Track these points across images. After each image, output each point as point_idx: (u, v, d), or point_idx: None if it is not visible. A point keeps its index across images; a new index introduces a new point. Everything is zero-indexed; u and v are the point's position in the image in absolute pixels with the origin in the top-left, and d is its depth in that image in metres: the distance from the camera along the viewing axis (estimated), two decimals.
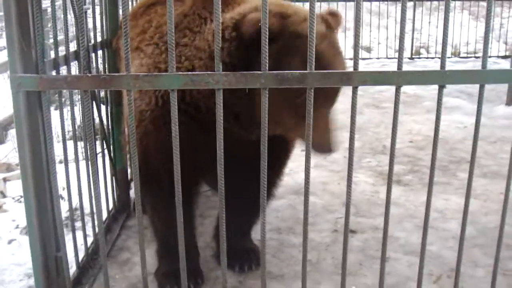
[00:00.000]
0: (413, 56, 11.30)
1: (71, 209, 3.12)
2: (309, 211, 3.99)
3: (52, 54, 2.81)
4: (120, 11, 3.69)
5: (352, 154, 2.44)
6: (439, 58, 10.13)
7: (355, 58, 2.28)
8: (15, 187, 5.20)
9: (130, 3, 4.01)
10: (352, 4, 12.58)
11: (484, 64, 2.30)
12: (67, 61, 2.90)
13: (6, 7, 2.28)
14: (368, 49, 12.26)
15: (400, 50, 2.30)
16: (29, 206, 2.51)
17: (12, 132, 7.04)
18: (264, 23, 2.12)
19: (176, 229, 2.46)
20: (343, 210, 4.10)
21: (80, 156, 3.33)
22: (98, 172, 2.43)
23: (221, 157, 2.26)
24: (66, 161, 2.91)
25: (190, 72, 2.24)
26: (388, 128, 6.18)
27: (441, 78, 2.29)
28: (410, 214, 4.10)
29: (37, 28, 2.35)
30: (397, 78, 2.30)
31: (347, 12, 12.09)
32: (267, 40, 2.13)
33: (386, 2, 12.52)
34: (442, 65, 2.28)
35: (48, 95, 2.37)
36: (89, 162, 2.45)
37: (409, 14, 13.44)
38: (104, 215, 3.69)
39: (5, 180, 5.29)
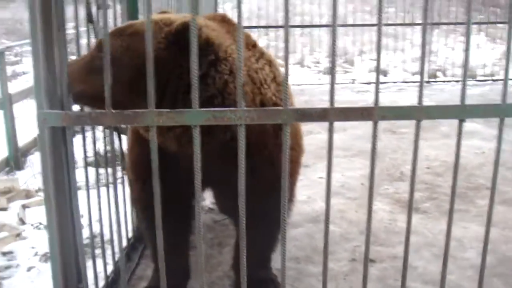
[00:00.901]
0: (430, 80, 11.29)
1: (92, 237, 3.15)
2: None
3: None
4: None
5: (372, 188, 2.44)
6: (456, 81, 10.13)
7: (376, 93, 2.30)
8: (35, 214, 5.26)
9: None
10: (367, 28, 12.69)
11: (504, 98, 2.31)
12: None
13: (34, 44, 2.34)
14: (385, 73, 12.28)
15: (421, 84, 2.32)
16: (52, 237, 2.54)
17: (31, 158, 7.13)
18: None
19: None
20: (361, 238, 4.12)
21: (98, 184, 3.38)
22: (117, 199, 2.47)
23: (242, 187, 2.29)
24: (87, 187, 2.95)
25: (212, 109, 2.26)
26: (405, 154, 6.18)
27: (461, 113, 2.31)
28: (428, 243, 4.08)
29: (63, 65, 2.41)
30: (417, 113, 2.32)
31: (364, 35, 12.24)
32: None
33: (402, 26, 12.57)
34: (462, 99, 2.30)
35: (72, 130, 2.42)
36: (112, 189, 2.47)
37: (430, 37, 13.49)
38: (124, 243, 3.72)
39: (24, 207, 5.35)
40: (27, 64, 15.84)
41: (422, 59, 2.32)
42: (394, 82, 11.25)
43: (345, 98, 9.22)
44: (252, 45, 3.15)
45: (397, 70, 12.00)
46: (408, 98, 9.80)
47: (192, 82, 2.20)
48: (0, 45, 17.03)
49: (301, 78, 11.40)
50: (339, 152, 6.20)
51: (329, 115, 2.26)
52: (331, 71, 2.27)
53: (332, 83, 2.26)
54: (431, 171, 5.65)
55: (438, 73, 12.13)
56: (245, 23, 13.36)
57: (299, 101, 9.59)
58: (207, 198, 4.42)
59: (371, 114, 2.29)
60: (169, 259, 2.57)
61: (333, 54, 2.27)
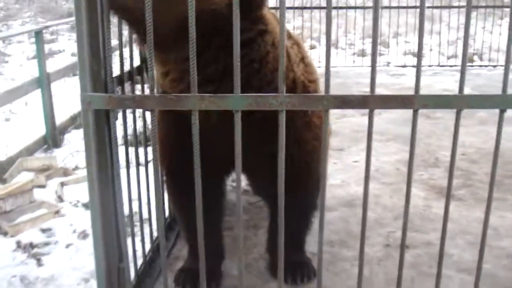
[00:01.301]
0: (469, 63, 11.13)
1: (131, 216, 3.22)
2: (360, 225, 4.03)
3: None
4: None
5: (411, 177, 2.44)
6: (493, 66, 9.96)
7: (417, 82, 2.30)
8: (72, 192, 5.38)
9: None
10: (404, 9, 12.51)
11: None
12: (131, 78, 3.00)
13: (79, 28, 2.39)
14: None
15: (462, 75, 2.31)
16: (95, 217, 2.60)
17: (68, 137, 7.27)
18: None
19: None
20: (396, 224, 4.15)
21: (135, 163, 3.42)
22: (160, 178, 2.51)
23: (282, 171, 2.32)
24: (128, 167, 2.99)
25: (254, 94, 2.29)
26: (440, 139, 6.14)
27: (503, 103, 2.29)
28: (462, 230, 4.07)
29: (107, 49, 2.45)
30: (458, 102, 2.31)
31: (399, 17, 12.08)
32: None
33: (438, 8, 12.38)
34: (504, 88, 2.28)
35: (115, 113, 2.47)
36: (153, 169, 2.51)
37: (461, 19, 13.24)
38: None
39: (62, 184, 5.46)
40: (63, 42, 16.03)
41: (465, 47, 2.31)
42: (430, 66, 11.12)
43: (380, 81, 9.15)
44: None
45: (433, 53, 11.83)
46: (443, 82, 9.70)
47: (234, 65, 2.22)
48: (36, 24, 17.35)
49: (335, 60, 11.34)
50: (374, 136, 6.06)
51: (370, 102, 2.27)
52: (373, 58, 2.28)
53: (373, 70, 2.27)
54: (466, 158, 5.60)
55: (475, 57, 11.95)
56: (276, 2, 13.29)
57: (333, 84, 9.48)
58: (242, 180, 4.46)
59: (411, 102, 2.30)
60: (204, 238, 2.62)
61: (374, 42, 2.27)
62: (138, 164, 3.21)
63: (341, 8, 12.08)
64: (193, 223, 3.28)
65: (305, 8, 12.03)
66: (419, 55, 2.31)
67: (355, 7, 12.56)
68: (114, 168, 2.55)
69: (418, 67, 2.30)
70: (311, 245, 3.63)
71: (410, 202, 2.56)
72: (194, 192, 2.91)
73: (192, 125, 2.31)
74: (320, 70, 9.66)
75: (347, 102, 2.26)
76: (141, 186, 3.30)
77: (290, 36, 3.04)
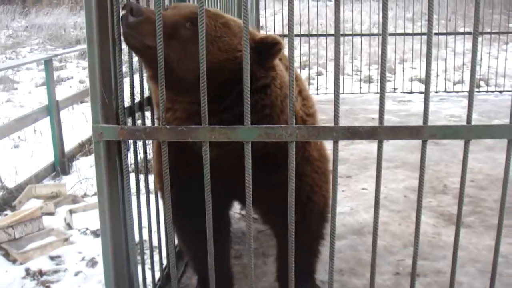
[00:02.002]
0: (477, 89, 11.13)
1: (141, 243, 3.22)
2: (370, 252, 4.02)
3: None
4: None
5: (420, 206, 2.45)
6: (499, 92, 9.94)
7: (425, 112, 2.32)
8: (81, 219, 5.39)
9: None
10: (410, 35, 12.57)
11: None
12: (142, 109, 3.04)
13: (91, 60, 2.43)
14: (424, 81, 12.16)
15: (470, 105, 2.33)
16: (106, 247, 2.61)
17: (77, 164, 7.30)
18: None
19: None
20: (405, 252, 4.14)
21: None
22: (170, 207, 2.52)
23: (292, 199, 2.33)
24: (138, 194, 3.00)
25: (264, 125, 2.32)
26: (448, 166, 6.14)
27: (511, 133, 2.31)
28: (472, 258, 4.06)
29: (118, 81, 2.49)
30: (466, 132, 2.33)
31: (405, 43, 12.15)
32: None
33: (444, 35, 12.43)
34: None
35: (127, 144, 2.50)
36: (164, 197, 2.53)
37: (467, 44, 13.30)
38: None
39: (71, 212, 5.48)
40: (71, 69, 16.17)
41: (472, 76, 2.34)
42: (436, 92, 11.14)
43: (386, 108, 9.00)
44: (280, 58, 3.22)
45: (439, 79, 11.86)
46: (450, 108, 9.72)
47: (244, 98, 2.26)
48: (45, 51, 17.52)
49: (342, 87, 11.38)
50: (383, 163, 6.16)
51: (379, 133, 2.30)
52: (381, 89, 2.31)
53: (381, 101, 2.30)
54: (475, 184, 5.60)
55: (481, 83, 11.97)
56: (283, 30, 13.35)
57: (340, 111, 9.52)
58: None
59: (420, 133, 2.32)
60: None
61: (382, 73, 2.30)
62: (148, 192, 3.23)
63: (347, 35, 12.17)
64: (199, 254, 3.32)
65: (311, 35, 12.13)
66: (426, 87, 2.33)
67: (361, 34, 12.61)
68: (126, 198, 2.57)
69: (426, 96, 2.32)
70: (321, 274, 3.63)
71: (420, 231, 2.56)
72: (197, 224, 2.94)
73: (203, 156, 2.34)
74: (327, 96, 9.74)
75: (356, 133, 2.29)
76: (151, 214, 3.31)
77: (286, 69, 3.06)
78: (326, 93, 11.21)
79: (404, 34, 12.02)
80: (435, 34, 11.52)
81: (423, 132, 2.32)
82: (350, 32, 12.98)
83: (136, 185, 3.04)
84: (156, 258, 3.43)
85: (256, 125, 2.30)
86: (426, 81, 2.31)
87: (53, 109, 7.11)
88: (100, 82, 2.45)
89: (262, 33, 2.70)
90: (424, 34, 11.85)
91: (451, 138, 2.40)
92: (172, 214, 3.20)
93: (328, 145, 3.10)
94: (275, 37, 2.66)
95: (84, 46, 17.45)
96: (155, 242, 3.48)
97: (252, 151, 2.53)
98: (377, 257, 4.02)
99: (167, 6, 2.99)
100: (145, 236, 3.30)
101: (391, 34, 11.79)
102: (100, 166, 2.51)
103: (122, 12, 2.37)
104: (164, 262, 3.55)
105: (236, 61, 2.56)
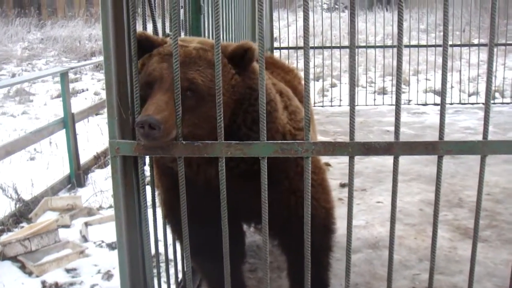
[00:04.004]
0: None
1: (157, 256, 3.23)
2: (385, 267, 4.00)
3: None
4: None
5: (437, 218, 2.44)
6: None
7: (441, 127, 2.32)
8: (97, 232, 5.41)
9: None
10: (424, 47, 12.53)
11: None
12: None
13: (108, 76, 2.45)
14: (438, 93, 12.12)
15: (486, 119, 2.32)
16: (122, 260, 2.62)
17: (92, 176, 7.33)
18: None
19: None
20: (421, 266, 4.12)
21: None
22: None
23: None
24: (154, 208, 3.01)
25: (279, 141, 2.33)
26: (463, 179, 6.10)
27: None
28: (489, 273, 4.02)
29: (135, 96, 2.51)
30: (482, 148, 2.32)
31: (419, 55, 12.14)
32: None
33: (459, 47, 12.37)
34: None
35: (143, 159, 2.52)
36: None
37: (481, 56, 13.24)
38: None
39: (87, 224, 5.50)
40: (86, 81, 16.29)
41: (488, 89, 2.33)
42: (451, 104, 11.08)
43: (401, 120, 9.07)
44: (270, 72, 3.23)
45: (454, 91, 11.81)
46: (465, 120, 9.66)
47: (260, 113, 2.27)
48: (60, 63, 17.67)
49: (356, 99, 11.35)
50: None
51: (394, 149, 2.31)
52: (396, 103, 2.31)
53: (397, 116, 2.30)
54: (491, 198, 5.55)
55: (497, 94, 11.90)
56: (297, 41, 13.33)
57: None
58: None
59: (436, 148, 2.32)
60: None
61: (397, 87, 2.31)
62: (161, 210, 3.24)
63: (361, 47, 12.16)
64: (211, 270, 3.32)
65: (325, 47, 12.14)
66: (442, 101, 2.33)
67: (375, 46, 12.59)
68: (142, 212, 2.58)
69: (441, 111, 2.32)
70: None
71: (436, 245, 2.55)
72: (209, 243, 2.95)
73: (219, 172, 2.35)
74: (341, 108, 9.69)
75: (372, 149, 2.30)
76: (166, 228, 3.31)
77: (274, 83, 3.05)
78: (340, 105, 11.20)
79: (419, 46, 12.01)
80: (450, 45, 11.48)
81: (439, 148, 2.32)
82: (364, 44, 12.97)
83: (152, 199, 3.05)
84: (172, 271, 3.43)
85: (272, 141, 2.31)
86: (442, 95, 2.32)
87: (68, 122, 7.16)
88: (117, 97, 2.48)
89: (233, 44, 2.70)
90: (438, 46, 11.80)
91: (467, 154, 2.40)
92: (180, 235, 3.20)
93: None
94: (243, 44, 2.65)
95: (99, 58, 17.63)
96: (170, 255, 3.48)
97: (245, 169, 2.55)
98: (393, 272, 4.03)
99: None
100: (161, 249, 3.31)
101: (405, 46, 11.75)
102: (117, 181, 2.53)
103: (139, 130, 2.32)
104: (180, 275, 3.55)
105: (234, 90, 2.61)
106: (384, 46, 11.84)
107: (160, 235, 2.98)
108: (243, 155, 2.33)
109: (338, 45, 11.87)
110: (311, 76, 13.28)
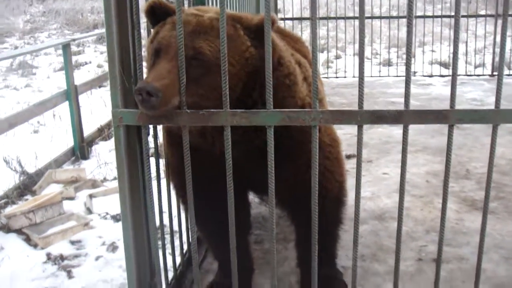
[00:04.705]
0: (494, 73, 10.97)
1: (162, 228, 3.20)
2: (392, 238, 3.97)
3: None
4: None
5: (446, 193, 2.40)
6: None
7: (452, 96, 2.26)
8: (101, 204, 5.39)
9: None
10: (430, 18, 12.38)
11: None
12: None
13: (110, 45, 2.40)
14: (446, 65, 12.03)
15: (498, 89, 2.27)
16: (127, 232, 2.60)
17: (96, 148, 7.31)
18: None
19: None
20: (427, 237, 4.09)
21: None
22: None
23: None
24: (158, 179, 2.97)
25: (286, 109, 2.27)
26: (470, 151, 6.04)
27: None
28: (496, 244, 3.99)
29: (138, 64, 2.45)
30: (494, 117, 2.27)
31: (425, 26, 12.00)
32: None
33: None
34: None
35: (147, 128, 2.47)
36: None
37: (488, 27, 13.08)
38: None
39: (91, 196, 5.48)
40: (89, 54, 16.21)
41: (501, 59, 2.28)
42: (457, 75, 10.96)
43: None
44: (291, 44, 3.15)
45: (460, 63, 11.70)
46: (471, 92, 9.59)
47: (266, 82, 2.22)
48: (63, 36, 17.56)
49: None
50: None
51: (404, 117, 2.25)
52: (407, 72, 2.25)
53: (407, 85, 2.24)
54: (497, 169, 5.48)
55: None
56: (301, 13, 13.16)
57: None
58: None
59: (447, 117, 2.27)
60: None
61: (408, 56, 2.25)
62: (168, 176, 3.20)
63: (367, 18, 12.00)
64: (218, 241, 3.29)
65: (330, 18, 12.01)
66: (454, 71, 2.28)
67: (381, 17, 12.45)
68: (146, 183, 2.54)
69: (453, 80, 2.27)
70: (342, 259, 3.61)
71: (445, 216, 2.51)
72: (215, 212, 2.91)
73: (225, 141, 2.30)
74: (346, 80, 9.66)
75: (381, 117, 2.24)
76: (171, 199, 3.28)
77: (293, 53, 2.98)
78: (345, 77, 11.10)
79: (424, 16, 11.86)
80: (452, 16, 11.33)
81: (449, 117, 2.27)
82: (369, 15, 12.82)
83: (157, 170, 3.01)
84: (177, 243, 3.41)
85: (278, 109, 2.26)
86: (453, 65, 2.26)
87: (71, 94, 7.11)
88: (119, 65, 2.42)
89: (257, 16, 2.61)
90: (444, 16, 11.70)
91: (479, 123, 2.35)
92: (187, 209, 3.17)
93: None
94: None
95: (102, 30, 17.51)
96: (175, 227, 3.46)
97: (260, 140, 2.49)
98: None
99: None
100: (165, 221, 3.28)
101: (420, 17, 11.64)
102: (120, 151, 2.49)
103: (137, 97, 2.23)
104: (185, 247, 3.53)
105: (248, 62, 2.52)
106: (389, 17, 11.71)
107: (165, 207, 2.95)
108: (248, 123, 2.28)
109: (343, 16, 11.72)
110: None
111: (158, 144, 2.89)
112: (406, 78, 2.25)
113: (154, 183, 2.63)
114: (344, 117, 2.24)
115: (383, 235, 4.15)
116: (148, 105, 2.23)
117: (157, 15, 2.57)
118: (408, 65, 2.25)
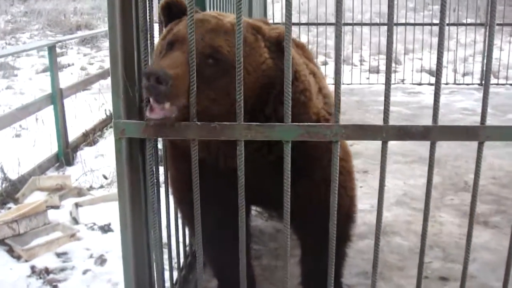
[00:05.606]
0: (483, 82, 10.90)
1: (161, 242, 3.02)
2: (395, 254, 3.84)
3: None
4: None
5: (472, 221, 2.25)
6: (510, 85, 9.74)
7: (483, 113, 2.11)
8: (88, 214, 5.15)
9: None
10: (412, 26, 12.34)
11: None
12: None
13: (113, 48, 2.21)
14: (432, 73, 11.96)
15: None
16: (127, 248, 2.41)
17: (81, 154, 7.06)
18: None
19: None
20: (432, 253, 3.95)
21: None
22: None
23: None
24: (158, 193, 2.78)
25: (305, 124, 2.10)
26: (468, 162, 5.92)
27: None
28: (504, 261, 3.85)
29: (143, 72, 2.26)
30: None
31: (410, 34, 11.95)
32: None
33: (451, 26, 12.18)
34: None
35: (152, 142, 2.28)
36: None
37: (471, 36, 13.05)
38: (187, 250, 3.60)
39: (77, 205, 5.25)
40: (72, 56, 15.95)
41: (488, 70, 2.13)
42: (446, 84, 10.92)
43: (396, 99, 8.98)
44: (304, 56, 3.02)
45: (447, 71, 11.63)
46: (462, 101, 9.54)
47: (285, 95, 2.05)
48: (45, 37, 17.25)
49: (349, 77, 11.16)
50: (398, 158, 5.99)
51: (432, 134, 2.10)
52: (436, 90, 2.10)
53: (436, 99, 2.09)
54: (497, 182, 5.39)
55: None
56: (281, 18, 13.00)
57: (349, 101, 9.38)
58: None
59: (476, 134, 2.13)
60: (232, 271, 2.53)
61: (438, 73, 2.10)
62: (167, 191, 3.02)
63: (347, 24, 11.92)
64: (219, 258, 3.12)
65: (311, 24, 11.90)
66: (486, 82, 2.12)
67: (362, 24, 12.32)
68: (149, 201, 2.36)
69: (484, 95, 2.12)
70: (346, 277, 3.46)
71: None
72: (213, 229, 2.76)
73: (238, 156, 2.13)
74: (332, 87, 9.51)
75: (408, 133, 2.10)
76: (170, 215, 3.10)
77: (307, 64, 2.84)
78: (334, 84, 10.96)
79: (407, 24, 11.81)
80: (434, 24, 11.28)
81: (479, 133, 2.13)
82: (350, 21, 12.75)
83: (157, 185, 2.82)
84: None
85: (297, 124, 2.09)
86: (488, 78, 2.10)
87: (56, 98, 6.88)
88: (123, 72, 2.23)
89: (273, 27, 2.47)
90: (429, 24, 11.68)
91: (508, 140, 2.20)
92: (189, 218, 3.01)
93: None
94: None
95: (84, 32, 17.23)
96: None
97: (274, 155, 2.34)
98: (403, 259, 3.87)
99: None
100: (167, 236, 3.11)
101: (395, 24, 11.54)
102: (122, 165, 2.30)
103: (145, 82, 2.08)
104: (181, 262, 3.35)
105: (264, 73, 2.39)
106: (371, 24, 11.65)
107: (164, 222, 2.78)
108: (264, 138, 2.10)
109: (324, 22, 11.58)
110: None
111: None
112: (435, 92, 2.10)
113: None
114: (368, 132, 2.08)
115: (386, 250, 4.01)
116: (155, 93, 2.05)
117: (172, 13, 2.48)
118: (438, 80, 2.09)
